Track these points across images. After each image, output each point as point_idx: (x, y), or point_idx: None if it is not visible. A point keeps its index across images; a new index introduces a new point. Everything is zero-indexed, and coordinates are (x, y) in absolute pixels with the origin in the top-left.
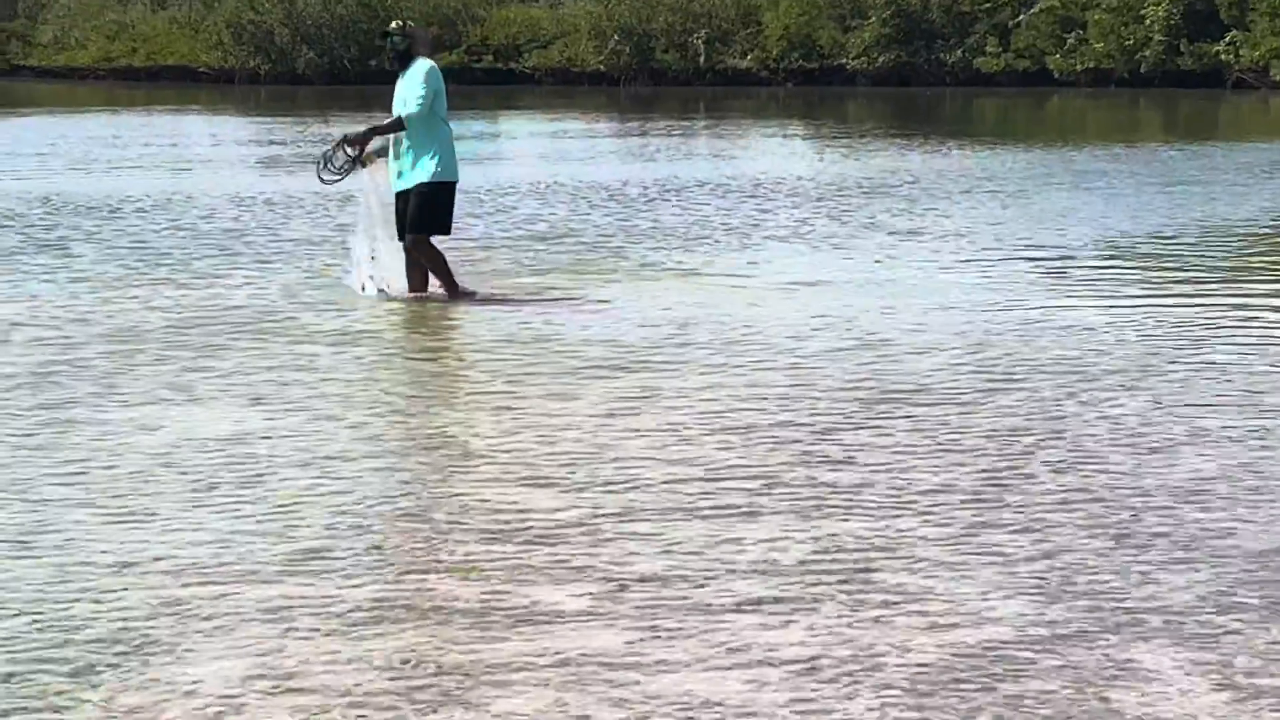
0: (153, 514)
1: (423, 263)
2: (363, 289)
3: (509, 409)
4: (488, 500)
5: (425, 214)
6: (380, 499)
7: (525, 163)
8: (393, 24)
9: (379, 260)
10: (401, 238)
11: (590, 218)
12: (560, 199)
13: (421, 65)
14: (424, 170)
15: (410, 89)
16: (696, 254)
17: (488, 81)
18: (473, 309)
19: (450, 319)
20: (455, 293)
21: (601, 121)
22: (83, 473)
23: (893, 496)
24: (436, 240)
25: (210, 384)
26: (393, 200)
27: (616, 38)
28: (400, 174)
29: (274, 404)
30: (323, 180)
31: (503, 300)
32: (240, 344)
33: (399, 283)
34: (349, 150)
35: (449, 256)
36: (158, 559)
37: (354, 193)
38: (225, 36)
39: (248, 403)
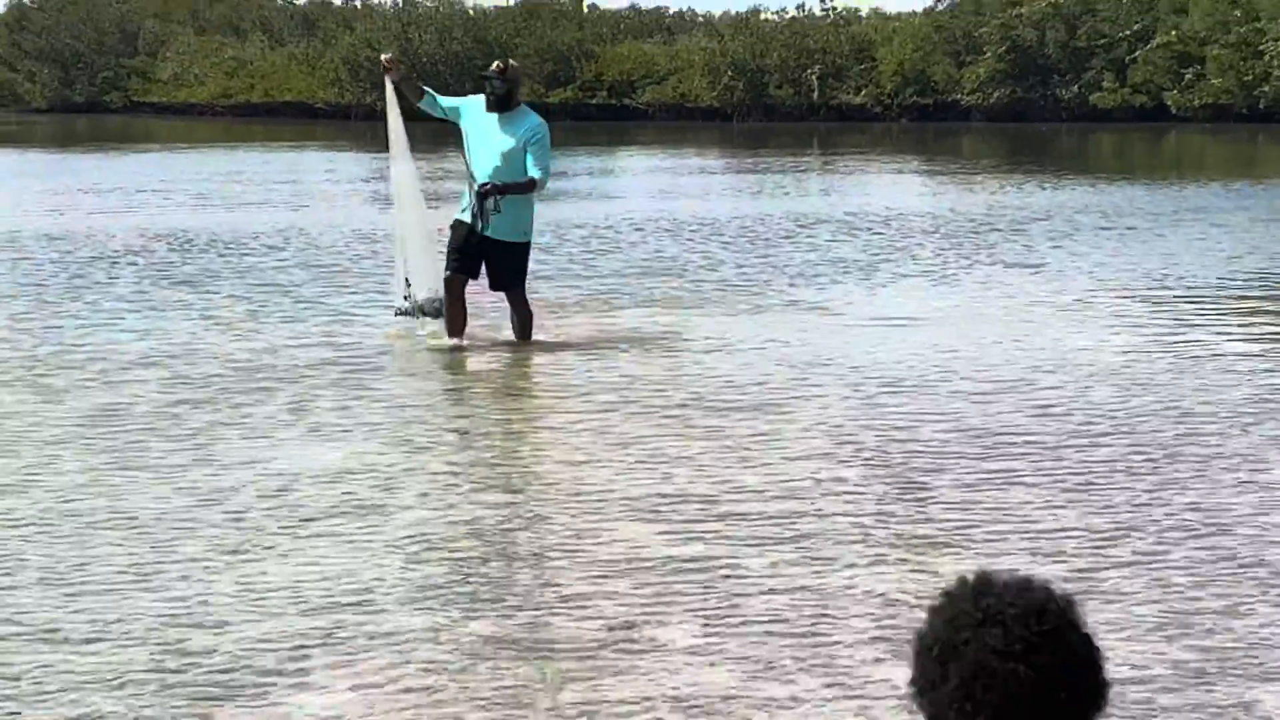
0: (271, 545)
1: (518, 310)
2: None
3: (623, 446)
4: (601, 537)
5: (524, 269)
6: (495, 533)
7: (638, 198)
8: (493, 65)
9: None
10: (463, 270)
11: (703, 254)
12: (674, 235)
13: (532, 119)
14: (520, 229)
15: (537, 152)
16: (812, 289)
17: (601, 117)
18: (583, 345)
19: (560, 356)
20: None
21: (715, 157)
22: (205, 504)
23: (1009, 536)
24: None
25: (328, 418)
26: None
27: (730, 73)
28: (478, 215)
29: (389, 438)
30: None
31: (614, 337)
32: (358, 379)
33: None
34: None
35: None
36: (276, 590)
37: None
38: (342, 72)
39: (364, 437)
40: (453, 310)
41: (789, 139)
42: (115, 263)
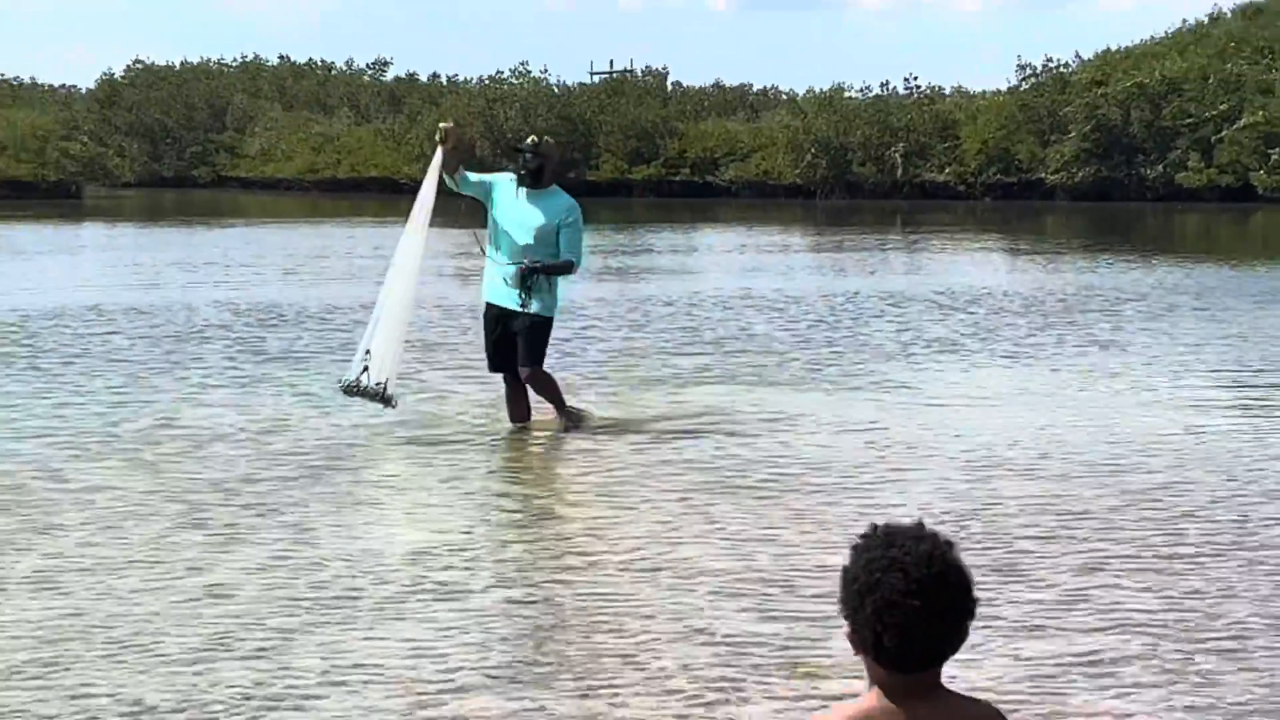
0: (352, 621)
1: (540, 391)
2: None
3: (706, 523)
4: (683, 614)
5: (541, 347)
6: (575, 612)
7: (722, 276)
8: (528, 140)
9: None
10: (501, 366)
11: (790, 331)
12: (760, 312)
13: (565, 200)
14: (544, 305)
15: (572, 235)
16: (900, 368)
17: (684, 194)
18: (668, 422)
19: (645, 433)
20: (567, 415)
21: (798, 234)
22: (290, 579)
23: (1099, 620)
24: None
25: (408, 495)
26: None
27: (813, 151)
28: (506, 295)
29: (471, 516)
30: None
31: (700, 413)
32: (443, 457)
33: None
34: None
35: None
36: (357, 666)
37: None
38: (427, 148)
39: (444, 513)
40: (514, 400)
41: (872, 216)
42: (206, 337)
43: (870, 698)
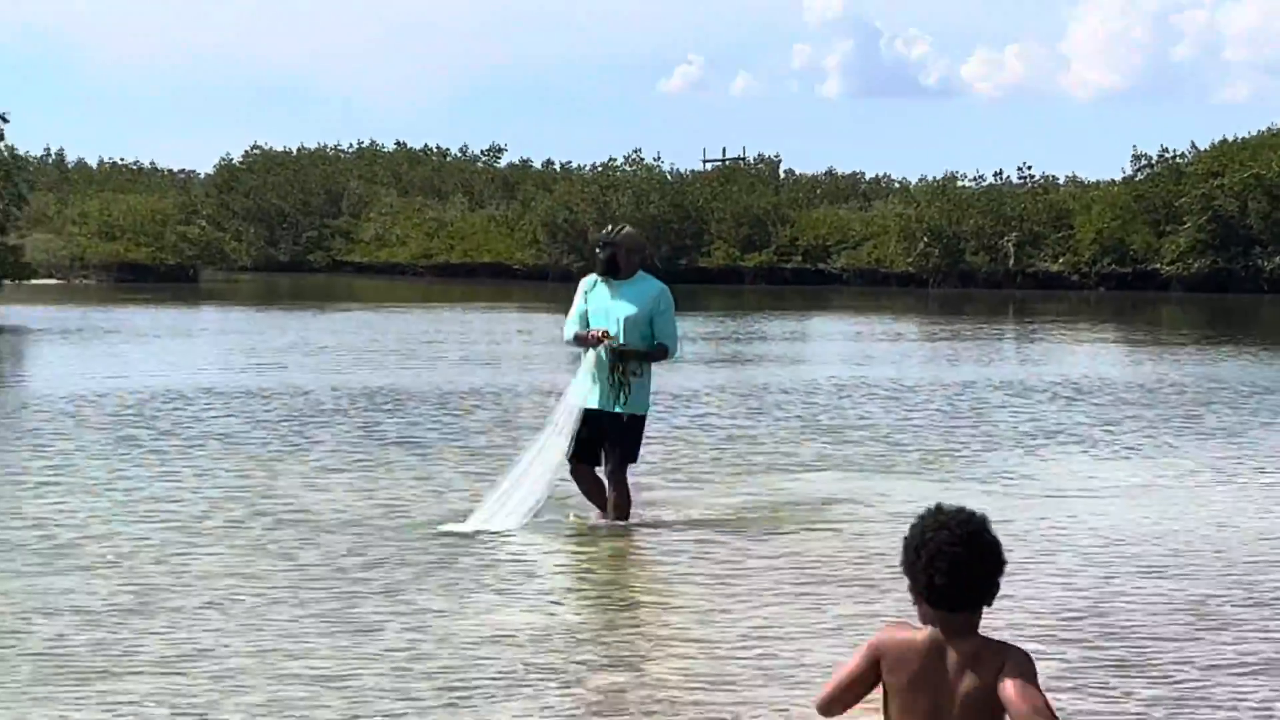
0: (468, 705)
1: (616, 488)
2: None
3: (816, 612)
4: (789, 709)
5: (637, 446)
6: (686, 700)
7: (835, 363)
8: (603, 230)
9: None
10: (585, 458)
11: (904, 419)
12: (874, 400)
13: (654, 286)
14: (640, 403)
15: (664, 321)
16: (1016, 458)
17: (796, 281)
18: (785, 509)
19: (759, 519)
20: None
21: (911, 323)
22: (405, 665)
23: (1220, 713)
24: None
25: (519, 580)
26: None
27: (926, 239)
28: (601, 396)
29: (580, 601)
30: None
31: (817, 500)
32: (555, 542)
33: (512, 519)
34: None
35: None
36: None
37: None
38: (540, 234)
39: (556, 599)
40: (589, 490)
41: (985, 305)
42: (323, 422)
43: (925, 630)
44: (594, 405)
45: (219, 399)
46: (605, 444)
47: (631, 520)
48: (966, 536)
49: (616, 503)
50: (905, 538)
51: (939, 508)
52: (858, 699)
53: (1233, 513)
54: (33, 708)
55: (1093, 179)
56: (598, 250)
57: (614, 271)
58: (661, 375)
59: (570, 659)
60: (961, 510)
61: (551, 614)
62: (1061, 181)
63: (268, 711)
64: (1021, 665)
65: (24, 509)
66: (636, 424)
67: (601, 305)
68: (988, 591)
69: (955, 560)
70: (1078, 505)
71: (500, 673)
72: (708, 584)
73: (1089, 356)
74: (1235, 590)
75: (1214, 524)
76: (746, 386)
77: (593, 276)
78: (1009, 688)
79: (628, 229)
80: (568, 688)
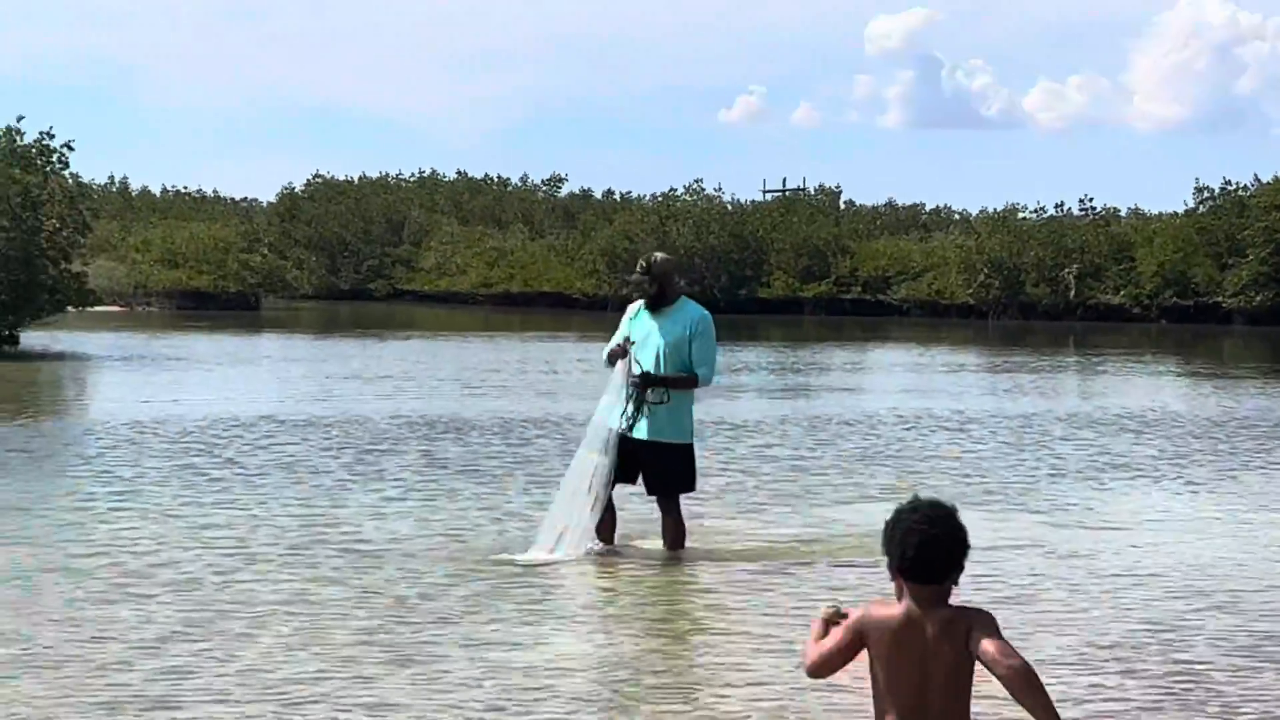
0: None
1: (671, 518)
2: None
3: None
4: None
5: (691, 472)
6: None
7: (897, 394)
8: (639, 264)
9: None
10: (627, 482)
11: (970, 451)
12: (937, 432)
13: (693, 311)
14: (682, 429)
15: (701, 346)
16: (1080, 489)
17: (855, 312)
18: (838, 545)
19: (817, 557)
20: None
21: (972, 354)
22: (461, 702)
23: None
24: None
25: (579, 611)
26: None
27: (986, 271)
28: (639, 424)
29: (639, 630)
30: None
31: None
32: (617, 570)
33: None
34: (643, 393)
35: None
36: None
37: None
38: (600, 264)
39: (613, 629)
40: (603, 515)
41: (1046, 337)
42: (384, 450)
43: (903, 604)
44: (614, 426)
45: (281, 427)
46: (642, 470)
47: (689, 548)
48: (934, 518)
49: (673, 531)
50: (886, 521)
51: (915, 497)
52: (841, 667)
53: None
54: None
55: (1155, 211)
56: (645, 288)
57: (663, 302)
58: (724, 405)
59: (626, 689)
60: (934, 499)
61: (609, 644)
62: (1123, 213)
63: None
64: (990, 625)
65: (93, 535)
66: (675, 452)
67: (646, 337)
68: (952, 567)
69: (924, 537)
70: (1145, 537)
71: (556, 703)
72: (768, 615)
73: (1153, 389)
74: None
75: (1271, 558)
76: (808, 417)
77: (638, 303)
78: (988, 647)
79: (662, 255)
80: (627, 717)
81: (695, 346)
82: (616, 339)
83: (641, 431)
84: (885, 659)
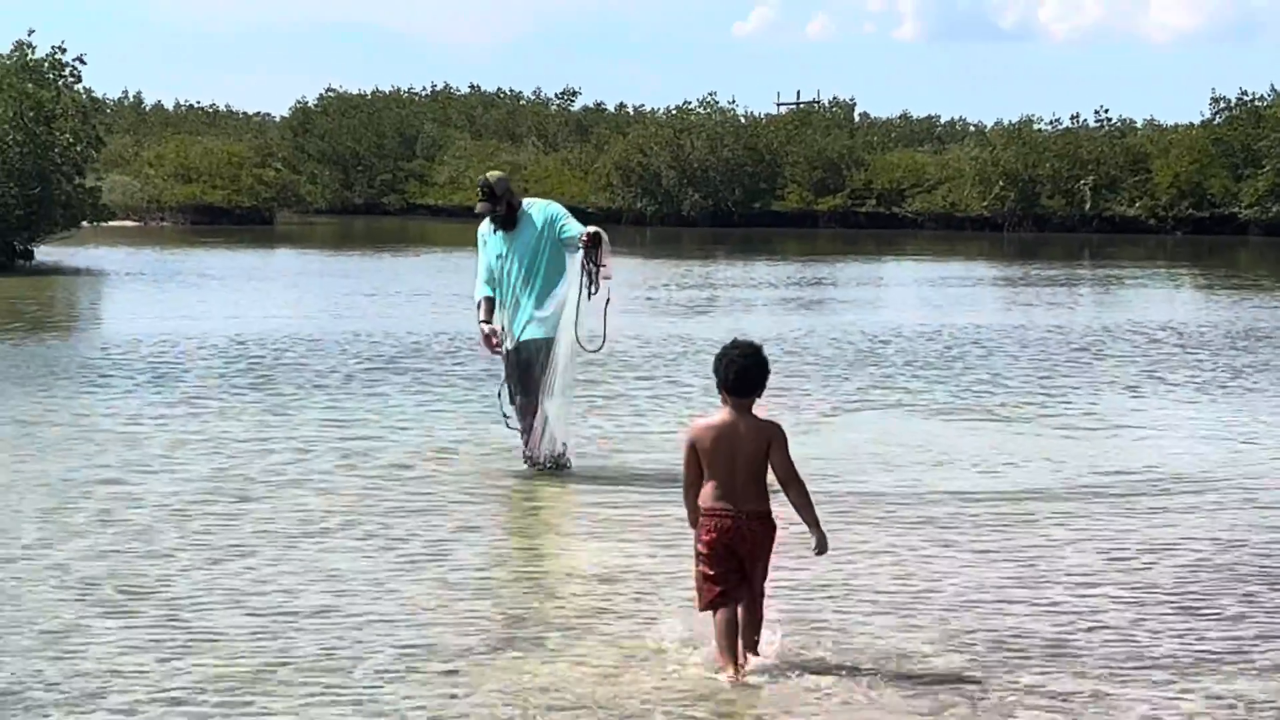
0: (539, 642)
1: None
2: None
3: (892, 554)
4: (853, 634)
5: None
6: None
7: (908, 308)
8: (479, 190)
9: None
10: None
11: (987, 368)
12: (941, 343)
13: (538, 207)
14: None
15: (567, 223)
16: (1093, 401)
17: (869, 225)
18: (870, 452)
19: (839, 463)
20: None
21: (988, 267)
22: (472, 606)
23: None
24: None
25: (610, 524)
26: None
27: (1001, 183)
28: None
29: (656, 543)
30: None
31: (901, 443)
32: (629, 485)
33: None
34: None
35: None
36: (542, 690)
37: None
38: (614, 178)
39: (630, 540)
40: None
41: (1061, 250)
42: (399, 367)
43: (724, 412)
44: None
45: (303, 342)
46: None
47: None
48: (747, 353)
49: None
50: (715, 355)
51: (733, 340)
52: (699, 479)
53: None
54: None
55: (1171, 122)
56: (487, 206)
57: (512, 222)
58: (746, 318)
59: (644, 601)
60: (748, 340)
61: (630, 556)
62: (1139, 125)
63: (341, 649)
64: (781, 438)
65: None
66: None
67: (502, 252)
68: (758, 385)
69: (737, 360)
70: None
71: (576, 611)
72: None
73: (1175, 302)
74: None
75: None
76: (833, 329)
77: (485, 226)
78: (775, 458)
79: (496, 174)
80: (636, 633)
81: (562, 226)
82: (482, 270)
83: (534, 333)
84: (709, 451)
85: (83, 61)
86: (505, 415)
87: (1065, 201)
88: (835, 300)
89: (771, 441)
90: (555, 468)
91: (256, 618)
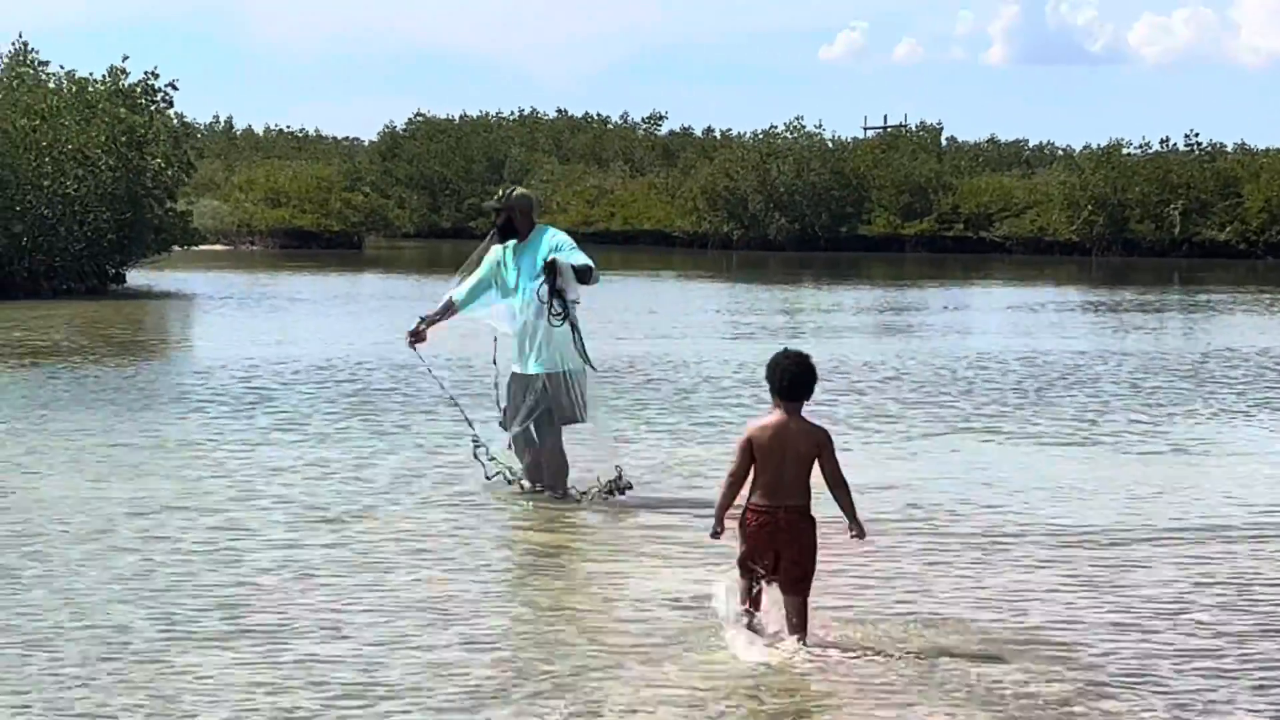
0: (616, 666)
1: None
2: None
3: (969, 578)
4: (891, 654)
5: (577, 404)
6: (841, 664)
7: (995, 334)
8: (492, 200)
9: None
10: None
11: (1091, 393)
12: (1027, 370)
13: (548, 232)
14: (568, 356)
15: (571, 252)
16: (1185, 427)
17: (956, 250)
18: (953, 478)
19: (923, 486)
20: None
21: (1077, 292)
22: (553, 631)
23: None
24: None
25: (683, 547)
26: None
27: (1090, 208)
28: (538, 358)
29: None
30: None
31: (987, 467)
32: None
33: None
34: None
35: None
36: (613, 713)
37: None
38: (700, 203)
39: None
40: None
41: (1151, 275)
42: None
43: (777, 415)
44: (528, 371)
45: (388, 367)
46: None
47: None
48: (799, 360)
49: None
50: (768, 363)
51: (783, 351)
52: (746, 475)
53: None
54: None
55: (1262, 146)
56: (493, 217)
57: (511, 234)
58: (836, 343)
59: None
60: (799, 351)
61: (698, 580)
62: (1229, 149)
63: (428, 673)
64: (830, 444)
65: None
66: (564, 381)
67: (512, 271)
68: (807, 390)
69: (789, 368)
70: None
71: (661, 635)
72: (855, 553)
73: (1272, 327)
74: None
75: None
76: (927, 354)
77: (497, 247)
78: (825, 460)
79: (520, 191)
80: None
81: (567, 256)
82: (469, 283)
83: (535, 368)
84: (765, 447)
85: (175, 87)
86: (480, 445)
87: (1154, 226)
88: (927, 325)
89: (821, 447)
90: (616, 492)
91: (347, 641)
